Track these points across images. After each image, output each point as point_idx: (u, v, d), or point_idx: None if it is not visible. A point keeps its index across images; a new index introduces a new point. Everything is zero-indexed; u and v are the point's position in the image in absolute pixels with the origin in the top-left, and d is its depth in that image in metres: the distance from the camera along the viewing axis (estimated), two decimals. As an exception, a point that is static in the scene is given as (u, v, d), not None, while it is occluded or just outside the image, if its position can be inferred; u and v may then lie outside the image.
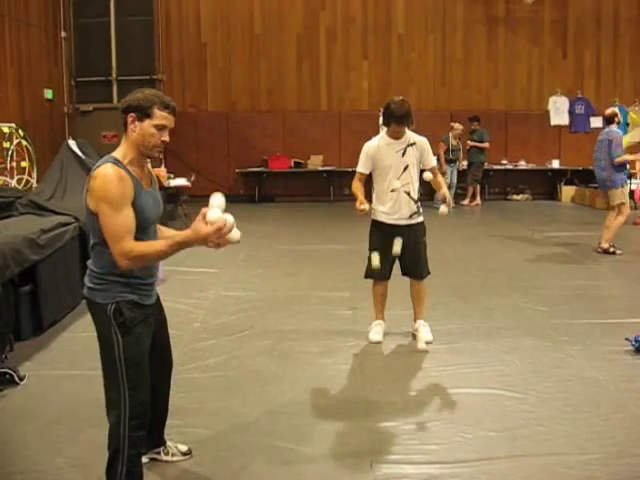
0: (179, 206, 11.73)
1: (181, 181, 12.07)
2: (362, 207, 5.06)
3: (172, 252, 2.85)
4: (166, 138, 3.02)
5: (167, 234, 3.19)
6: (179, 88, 16.02)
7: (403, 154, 5.27)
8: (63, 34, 15.19)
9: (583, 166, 15.35)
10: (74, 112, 15.19)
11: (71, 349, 5.49)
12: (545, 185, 16.49)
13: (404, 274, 5.54)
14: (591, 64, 16.57)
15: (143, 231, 2.97)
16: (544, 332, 5.80)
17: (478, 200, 15.00)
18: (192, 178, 12.64)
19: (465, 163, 15.13)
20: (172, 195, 11.63)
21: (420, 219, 5.43)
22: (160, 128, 2.98)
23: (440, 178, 5.59)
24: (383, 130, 5.46)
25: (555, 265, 8.70)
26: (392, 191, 5.28)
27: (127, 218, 2.85)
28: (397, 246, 5.21)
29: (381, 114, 5.53)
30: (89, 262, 3.07)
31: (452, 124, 14.75)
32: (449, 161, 14.57)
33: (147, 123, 2.97)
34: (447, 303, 6.65)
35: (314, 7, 16.10)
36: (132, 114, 2.97)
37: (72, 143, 8.97)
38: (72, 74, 15.46)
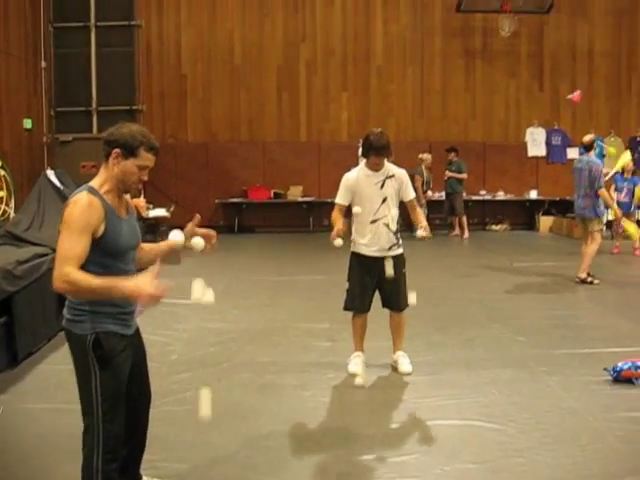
0: (158, 237, 11.68)
1: (160, 212, 12.04)
2: (336, 242, 5.03)
3: (103, 292, 2.81)
4: (145, 177, 3.07)
5: (148, 248, 3.34)
6: (159, 119, 16.06)
7: (382, 186, 5.28)
8: (43, 64, 15.20)
9: (560, 196, 15.54)
10: (53, 142, 15.16)
11: (46, 381, 5.41)
12: (523, 215, 16.63)
13: (384, 306, 5.54)
14: (567, 96, 16.81)
15: (118, 258, 2.99)
16: (523, 362, 5.81)
17: (467, 232, 14.91)
18: (171, 209, 12.61)
19: (439, 194, 15.27)
20: (151, 226, 11.59)
21: (400, 251, 5.42)
22: (142, 168, 3.03)
23: (419, 210, 5.62)
24: (362, 162, 5.49)
25: (534, 295, 8.74)
26: (371, 222, 5.28)
27: (80, 245, 2.84)
28: (389, 268, 5.21)
29: (360, 145, 5.55)
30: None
31: (422, 156, 14.70)
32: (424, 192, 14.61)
33: (131, 162, 3.00)
34: (427, 334, 6.65)
35: (294, 39, 16.26)
36: (117, 150, 3.00)
37: (50, 173, 8.94)
38: (52, 104, 15.44)
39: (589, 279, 9.27)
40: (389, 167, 5.37)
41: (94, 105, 15.97)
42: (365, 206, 5.29)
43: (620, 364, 5.32)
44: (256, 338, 6.68)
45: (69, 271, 2.78)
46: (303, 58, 16.31)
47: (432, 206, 15.19)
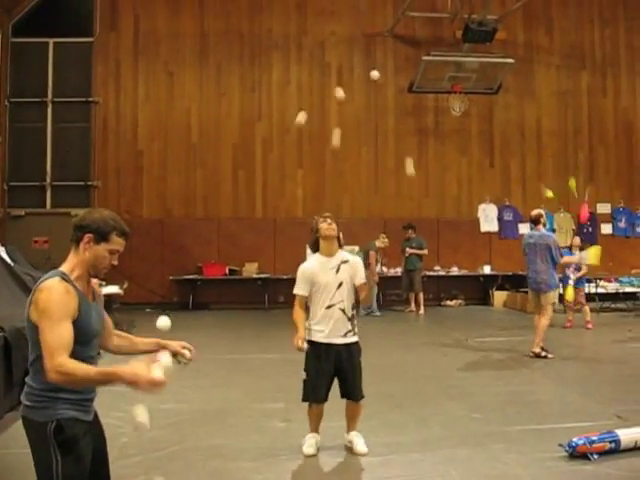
0: (111, 314, 11.46)
1: (113, 289, 11.83)
2: (300, 346, 5.07)
3: (102, 380, 2.79)
4: (115, 262, 3.07)
5: (136, 341, 3.33)
6: (114, 194, 16.04)
7: (337, 271, 5.30)
8: (-2, 138, 15.14)
9: (513, 271, 15.79)
10: (5, 216, 15.01)
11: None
12: (477, 290, 16.83)
13: (342, 396, 5.41)
14: (517, 173, 17.33)
15: (87, 344, 2.95)
16: (479, 440, 5.76)
17: (422, 309, 14.93)
18: (125, 285, 12.45)
19: (394, 270, 15.40)
20: (104, 303, 11.38)
21: (355, 339, 5.35)
22: (113, 252, 3.04)
23: (366, 292, 5.59)
24: (311, 256, 5.51)
25: (489, 371, 8.76)
26: (327, 308, 5.25)
27: (65, 332, 2.81)
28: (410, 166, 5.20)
29: (310, 245, 5.52)
30: (27, 378, 2.97)
31: (384, 236, 14.75)
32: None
33: (102, 247, 3.00)
34: (382, 412, 6.57)
35: (250, 117, 16.54)
36: (89, 235, 2.99)
37: (1, 250, 8.80)
38: (4, 178, 15.34)
39: (543, 353, 9.33)
40: (342, 253, 5.40)
41: (48, 180, 15.95)
42: (322, 292, 5.28)
43: (575, 439, 5.31)
44: (209, 419, 6.53)
45: (62, 362, 2.73)
46: (259, 136, 16.58)
47: (388, 282, 15.30)
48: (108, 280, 12.55)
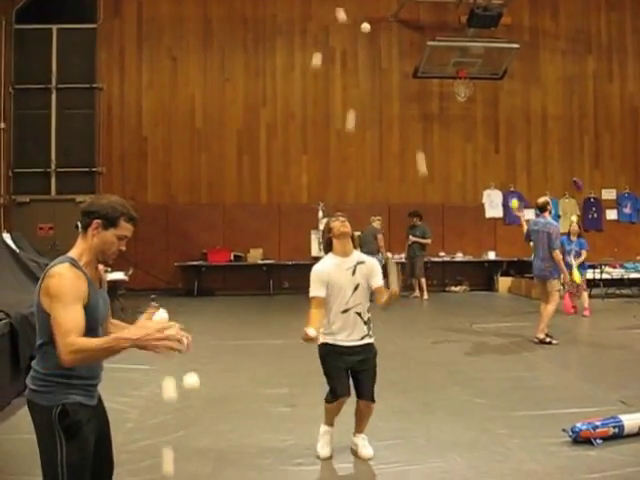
0: (116, 300, 11.51)
1: (118, 275, 11.86)
2: (310, 332, 4.64)
3: (114, 347, 2.77)
4: (123, 247, 3.08)
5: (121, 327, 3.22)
6: (119, 180, 16.05)
7: (353, 272, 5.03)
8: (2, 125, 15.15)
9: (518, 257, 15.76)
10: (10, 203, 15.04)
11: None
12: (482, 276, 16.82)
13: (358, 396, 5.14)
14: (522, 159, 17.27)
15: (94, 331, 2.94)
16: (483, 425, 5.79)
17: (426, 294, 14.98)
18: (130, 272, 12.48)
19: (399, 256, 15.38)
20: (109, 289, 11.36)
21: (371, 340, 5.12)
22: (121, 238, 3.05)
23: (386, 294, 5.05)
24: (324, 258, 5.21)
25: (493, 356, 8.78)
26: (343, 312, 4.99)
27: (77, 314, 2.82)
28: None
29: (323, 247, 5.26)
30: (34, 363, 2.99)
31: (374, 218, 14.50)
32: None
33: (111, 232, 3.01)
34: (386, 399, 6.56)
35: (255, 103, 16.50)
36: (98, 221, 3.00)
37: (7, 237, 8.82)
38: (10, 165, 15.35)
39: (547, 339, 9.35)
40: (358, 253, 5.18)
41: (53, 167, 15.95)
42: (337, 295, 4.98)
43: (578, 425, 5.33)
44: (214, 405, 6.56)
45: (73, 341, 2.74)
46: (263, 122, 16.54)
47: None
48: (114, 266, 12.61)
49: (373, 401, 5.16)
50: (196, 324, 11.00)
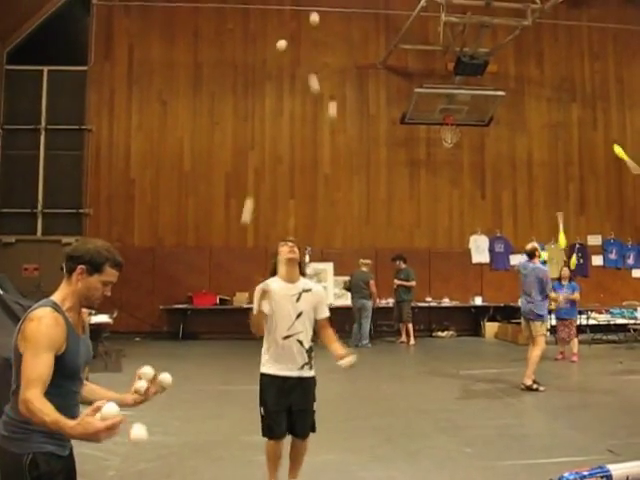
0: (100, 343, 11.39)
1: (102, 317, 11.74)
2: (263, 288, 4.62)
3: (60, 428, 2.60)
4: (108, 293, 3.03)
5: (99, 393, 3.10)
6: (105, 222, 16.01)
7: (298, 299, 4.90)
8: (-11, 165, 15.14)
9: (505, 302, 15.78)
10: (-5, 243, 14.93)
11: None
12: (469, 322, 16.79)
13: (290, 432, 4.98)
14: (508, 204, 17.40)
15: (70, 379, 2.89)
16: (470, 476, 5.71)
17: (412, 339, 14.84)
18: (114, 314, 12.34)
19: (386, 301, 15.37)
20: (93, 332, 11.26)
21: (312, 373, 4.96)
22: (106, 284, 3.00)
23: (331, 332, 5.03)
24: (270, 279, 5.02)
25: (480, 403, 8.70)
26: (284, 338, 4.85)
27: (45, 365, 2.74)
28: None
29: (270, 272, 5.14)
30: (7, 407, 2.91)
31: (363, 261, 14.40)
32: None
33: (95, 278, 2.97)
34: (372, 447, 6.51)
35: (243, 147, 16.59)
36: (82, 266, 2.95)
37: (-9, 278, 8.71)
38: (-4, 205, 15.30)
39: (534, 386, 9.30)
40: (305, 281, 5.05)
41: (40, 207, 15.92)
42: (279, 319, 4.85)
43: (566, 475, 5.22)
44: (198, 452, 6.45)
45: (31, 397, 2.64)
46: (251, 165, 16.62)
47: (379, 313, 15.24)
48: (98, 309, 12.50)
49: (306, 438, 5.00)
50: (180, 368, 10.87)
